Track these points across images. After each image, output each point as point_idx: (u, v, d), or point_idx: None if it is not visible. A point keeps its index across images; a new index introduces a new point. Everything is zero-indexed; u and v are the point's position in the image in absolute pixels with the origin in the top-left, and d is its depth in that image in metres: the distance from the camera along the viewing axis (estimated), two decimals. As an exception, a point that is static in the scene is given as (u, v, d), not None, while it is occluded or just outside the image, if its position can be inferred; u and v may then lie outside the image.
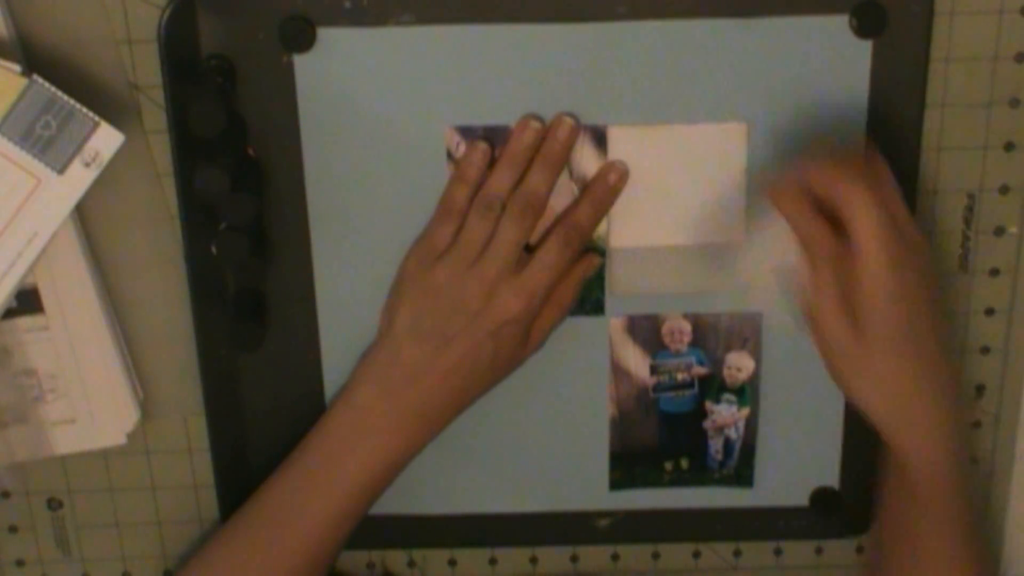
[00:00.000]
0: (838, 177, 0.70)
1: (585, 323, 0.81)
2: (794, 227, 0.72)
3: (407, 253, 0.78)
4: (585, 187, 0.77)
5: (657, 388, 0.82)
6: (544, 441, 0.84)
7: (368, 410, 0.78)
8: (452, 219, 0.76)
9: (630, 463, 0.84)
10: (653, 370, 0.82)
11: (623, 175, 0.77)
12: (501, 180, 0.75)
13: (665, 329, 0.81)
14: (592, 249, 0.78)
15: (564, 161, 0.76)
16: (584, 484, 0.85)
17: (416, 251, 0.78)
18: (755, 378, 0.82)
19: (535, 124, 0.75)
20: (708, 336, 0.81)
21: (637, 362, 0.82)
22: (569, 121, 0.75)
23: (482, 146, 0.76)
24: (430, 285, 0.76)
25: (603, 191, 0.77)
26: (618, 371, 0.82)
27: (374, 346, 0.79)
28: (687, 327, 0.81)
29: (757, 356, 0.81)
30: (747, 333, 0.81)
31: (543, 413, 0.83)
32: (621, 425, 0.83)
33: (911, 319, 0.71)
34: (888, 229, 0.69)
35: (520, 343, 0.77)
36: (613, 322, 0.81)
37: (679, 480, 0.85)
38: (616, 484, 0.85)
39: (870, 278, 0.69)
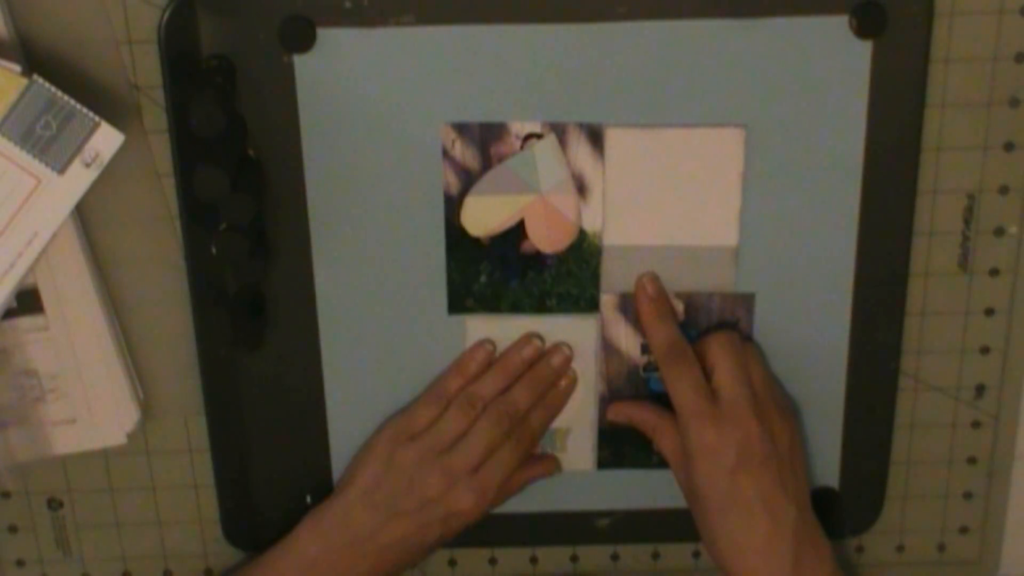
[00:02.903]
0: (663, 361, 0.79)
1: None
2: (638, 426, 0.82)
3: (386, 421, 0.82)
4: (545, 393, 0.82)
5: (648, 367, 0.82)
6: None
7: (310, 564, 0.80)
8: (437, 405, 0.80)
9: (618, 442, 0.84)
10: (644, 349, 0.82)
11: (573, 382, 0.82)
12: (489, 383, 0.80)
13: None
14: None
15: (549, 385, 0.81)
16: (571, 464, 0.85)
17: (394, 424, 0.81)
18: None
19: (537, 342, 0.81)
20: (700, 316, 0.81)
21: (628, 341, 0.82)
22: (565, 351, 0.81)
23: (488, 347, 0.81)
24: (397, 462, 0.79)
25: (555, 398, 0.82)
26: (609, 349, 0.82)
27: (328, 500, 0.81)
28: (679, 306, 0.81)
29: (749, 336, 0.81)
30: (739, 313, 0.81)
31: None
32: (610, 403, 0.83)
33: (727, 480, 0.75)
34: (695, 402, 0.76)
35: (459, 531, 0.81)
36: (605, 299, 0.81)
37: (667, 461, 0.84)
38: (603, 463, 0.85)
39: (685, 443, 0.77)
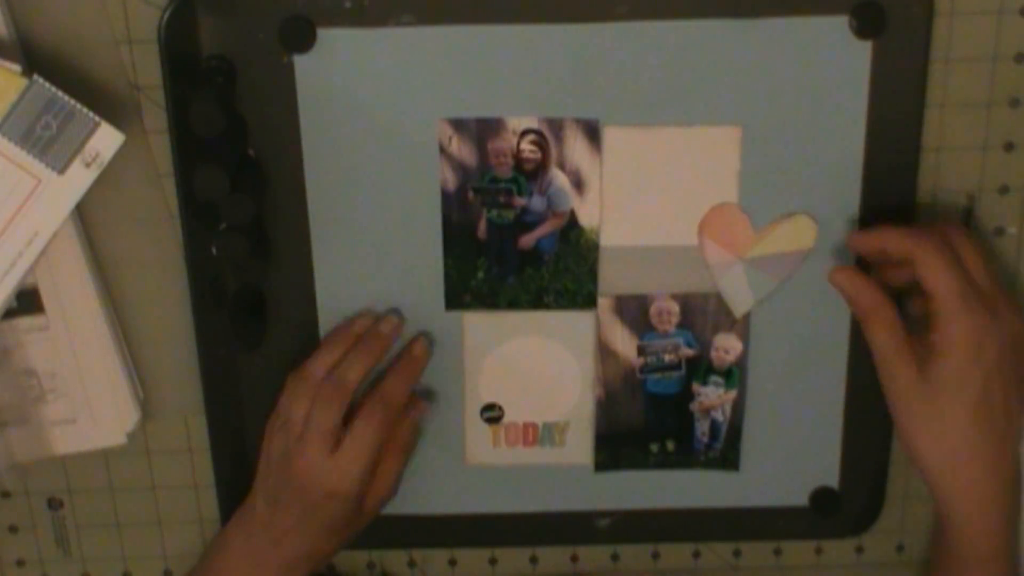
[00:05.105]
0: (913, 241, 0.72)
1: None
2: (852, 302, 0.75)
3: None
4: (396, 361, 0.80)
5: (644, 369, 0.82)
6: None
7: (237, 557, 0.81)
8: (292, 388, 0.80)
9: (615, 445, 0.84)
10: (640, 351, 0.82)
11: (426, 350, 0.81)
12: (319, 359, 0.79)
13: (653, 310, 0.81)
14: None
15: (382, 353, 0.79)
16: (569, 467, 0.85)
17: (272, 416, 0.81)
18: (743, 360, 0.82)
19: (368, 315, 0.80)
20: (696, 317, 0.81)
21: (624, 343, 0.82)
22: (393, 319, 0.80)
23: (343, 327, 0.80)
24: (271, 453, 0.80)
25: (410, 365, 0.80)
26: (605, 352, 0.82)
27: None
28: (675, 308, 0.81)
29: (745, 338, 0.81)
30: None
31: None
32: (607, 406, 0.83)
33: (983, 377, 0.71)
34: (961, 284, 0.71)
35: (352, 509, 0.79)
36: (601, 302, 0.81)
37: (665, 462, 0.84)
38: (601, 466, 0.85)
39: (944, 331, 0.71)
